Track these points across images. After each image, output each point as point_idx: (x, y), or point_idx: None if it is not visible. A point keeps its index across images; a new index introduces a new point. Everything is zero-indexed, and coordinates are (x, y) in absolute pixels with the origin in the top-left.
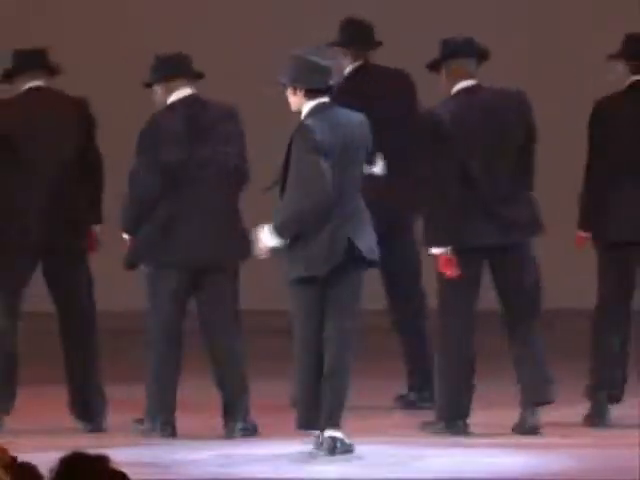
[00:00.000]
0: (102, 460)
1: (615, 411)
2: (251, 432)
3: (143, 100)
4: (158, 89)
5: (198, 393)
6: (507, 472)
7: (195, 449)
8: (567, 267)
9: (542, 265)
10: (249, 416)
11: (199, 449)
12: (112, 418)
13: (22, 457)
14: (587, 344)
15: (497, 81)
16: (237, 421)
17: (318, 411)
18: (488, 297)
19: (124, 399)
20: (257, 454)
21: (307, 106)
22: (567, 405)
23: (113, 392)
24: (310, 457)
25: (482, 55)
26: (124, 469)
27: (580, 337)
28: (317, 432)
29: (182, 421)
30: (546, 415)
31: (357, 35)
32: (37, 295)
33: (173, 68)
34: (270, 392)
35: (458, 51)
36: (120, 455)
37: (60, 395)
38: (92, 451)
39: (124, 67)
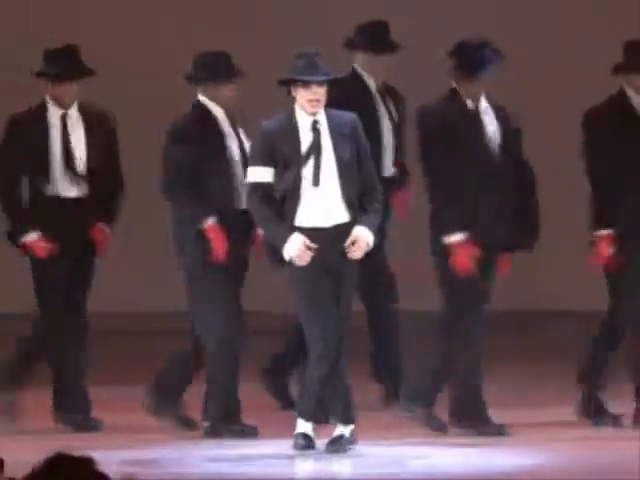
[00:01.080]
0: (86, 462)
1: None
2: (250, 434)
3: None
4: None
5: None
6: (495, 472)
7: (186, 449)
8: (556, 269)
9: (534, 267)
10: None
11: (190, 449)
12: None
13: (7, 458)
14: (576, 345)
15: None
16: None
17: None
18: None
19: (109, 400)
20: (252, 454)
21: None
22: (555, 405)
23: (100, 392)
24: (305, 457)
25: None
26: (113, 470)
27: (569, 338)
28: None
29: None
30: (533, 416)
31: (362, 38)
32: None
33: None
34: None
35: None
36: (109, 456)
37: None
38: (77, 452)
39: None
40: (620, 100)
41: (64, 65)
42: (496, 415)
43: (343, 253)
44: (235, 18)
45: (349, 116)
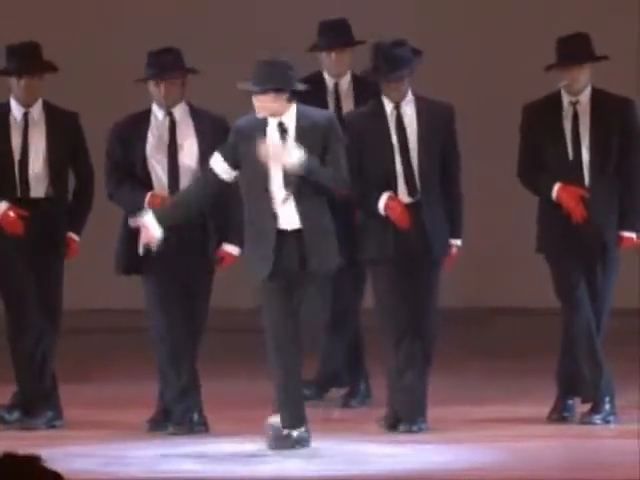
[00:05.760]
0: (33, 460)
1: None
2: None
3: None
4: None
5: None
6: (449, 469)
7: (141, 447)
8: (505, 266)
9: (482, 264)
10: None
11: (146, 447)
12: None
13: None
14: (524, 342)
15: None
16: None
17: None
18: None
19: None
20: (206, 452)
21: (293, 107)
22: (509, 404)
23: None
24: (263, 456)
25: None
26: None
27: (517, 335)
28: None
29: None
30: (485, 413)
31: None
32: None
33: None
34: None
35: None
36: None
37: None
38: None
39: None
40: (556, 95)
41: (24, 61)
42: (451, 412)
43: (301, 258)
44: (232, 16)
45: (322, 114)
